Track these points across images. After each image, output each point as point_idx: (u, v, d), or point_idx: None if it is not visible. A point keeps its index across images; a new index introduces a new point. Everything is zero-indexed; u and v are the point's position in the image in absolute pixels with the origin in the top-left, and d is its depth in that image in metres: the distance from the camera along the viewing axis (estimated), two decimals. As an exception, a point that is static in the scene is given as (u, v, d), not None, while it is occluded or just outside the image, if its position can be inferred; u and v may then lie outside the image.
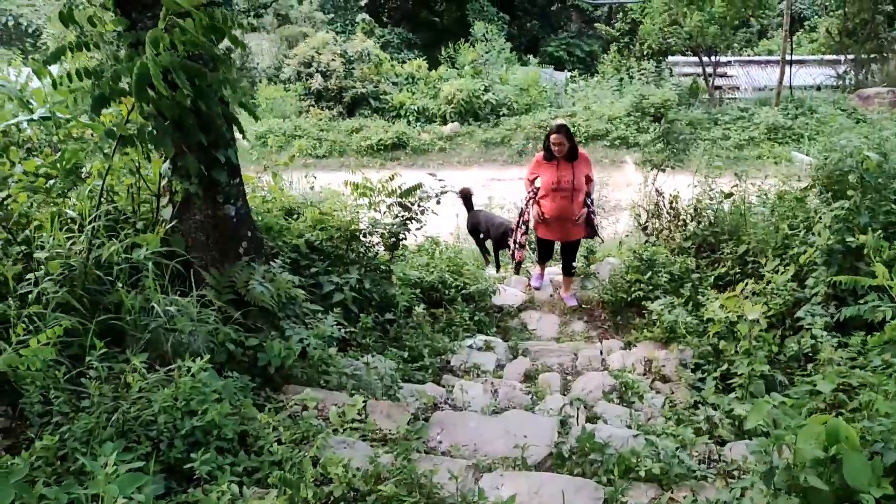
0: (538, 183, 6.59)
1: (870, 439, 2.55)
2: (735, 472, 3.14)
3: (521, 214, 7.04)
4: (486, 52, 20.65)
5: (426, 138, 17.69)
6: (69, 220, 3.69)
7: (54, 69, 3.65)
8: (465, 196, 8.45)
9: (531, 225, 7.04)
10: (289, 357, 3.83)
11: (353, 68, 18.87)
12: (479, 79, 19.19)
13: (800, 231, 5.99)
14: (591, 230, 6.93)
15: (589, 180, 6.66)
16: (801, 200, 6.40)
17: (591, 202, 6.78)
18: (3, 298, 3.09)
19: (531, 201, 6.70)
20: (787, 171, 8.04)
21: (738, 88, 19.77)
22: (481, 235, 8.42)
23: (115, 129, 3.44)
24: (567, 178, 6.38)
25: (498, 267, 8.24)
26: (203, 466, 2.69)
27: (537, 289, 7.26)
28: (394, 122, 18.33)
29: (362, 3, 30.28)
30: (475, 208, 8.71)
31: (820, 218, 5.59)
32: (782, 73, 17.17)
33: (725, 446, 3.52)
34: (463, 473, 3.02)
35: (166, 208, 3.95)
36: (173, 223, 3.83)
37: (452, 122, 18.34)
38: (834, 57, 19.70)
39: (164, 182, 3.94)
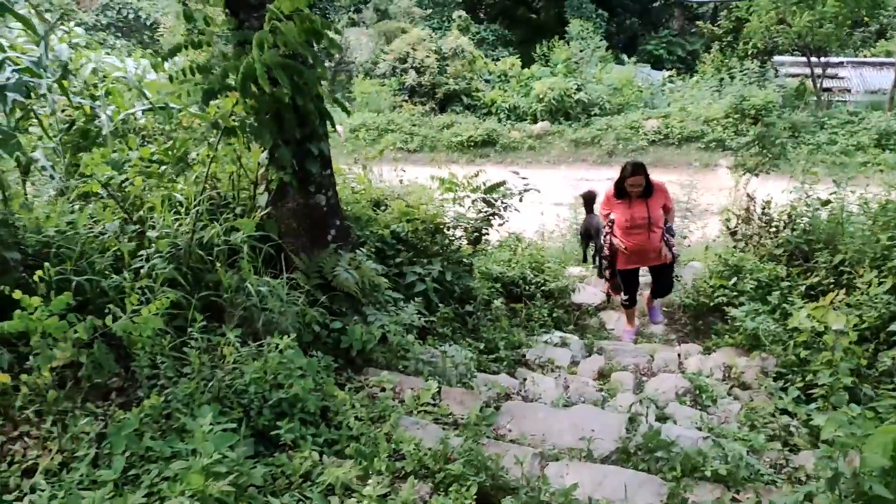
0: (612, 216, 6.20)
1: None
2: (804, 479, 3.12)
3: (599, 250, 6.82)
4: (581, 51, 20.48)
5: (516, 136, 17.75)
6: (177, 204, 4.02)
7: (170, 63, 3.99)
8: (588, 199, 8.22)
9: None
10: (370, 341, 4.06)
11: (447, 65, 19.13)
12: (572, 77, 19.07)
13: (901, 241, 5.77)
14: (671, 267, 6.52)
15: (667, 210, 6.20)
16: (907, 207, 6.16)
17: (672, 234, 6.35)
18: (119, 272, 3.43)
19: (608, 235, 6.25)
20: (893, 179, 7.69)
21: (849, 91, 18.83)
22: (591, 242, 8.31)
23: (220, 121, 3.74)
24: (642, 215, 5.92)
25: (601, 273, 7.68)
26: (288, 434, 2.93)
27: (657, 324, 6.70)
28: (484, 119, 18.48)
29: (459, 0, 30.59)
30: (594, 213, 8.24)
31: (923, 229, 5.38)
32: (896, 77, 16.28)
33: (799, 455, 3.49)
34: (529, 460, 3.13)
35: (262, 195, 4.24)
36: (268, 210, 4.10)
37: (543, 120, 18.32)
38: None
39: (261, 171, 4.23)
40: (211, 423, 2.63)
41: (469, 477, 2.85)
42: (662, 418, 3.90)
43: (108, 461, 2.69)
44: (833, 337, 4.67)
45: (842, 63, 19.36)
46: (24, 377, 2.84)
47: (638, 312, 6.68)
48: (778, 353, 5.39)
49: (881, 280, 5.42)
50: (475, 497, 2.77)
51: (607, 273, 6.60)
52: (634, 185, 5.80)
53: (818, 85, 17.57)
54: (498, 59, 22.02)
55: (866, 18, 17.44)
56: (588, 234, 8.33)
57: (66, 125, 4.66)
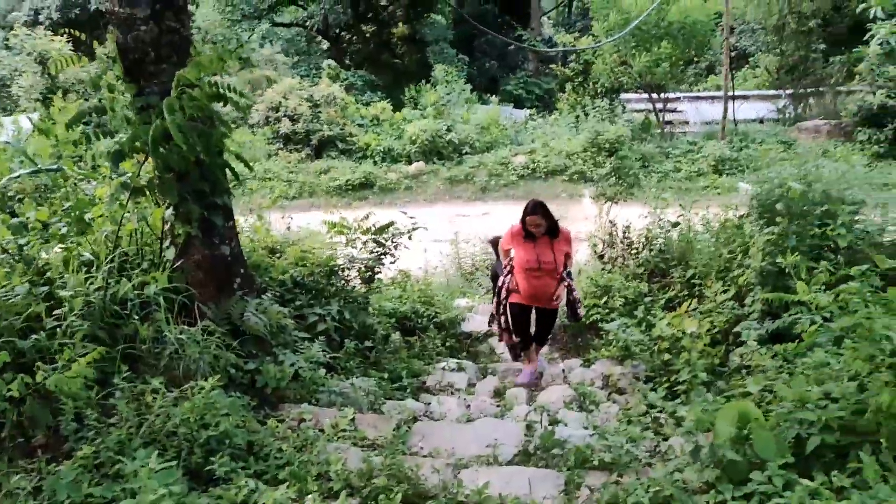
0: (513, 252, 6.04)
1: (775, 420, 3.11)
2: (673, 458, 3.67)
3: (497, 293, 6.30)
4: (448, 94, 21.46)
5: (393, 177, 18.30)
6: (82, 263, 4.12)
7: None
8: (497, 244, 7.66)
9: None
10: (283, 378, 4.31)
11: (320, 112, 19.48)
12: (442, 119, 19.95)
13: (738, 255, 6.60)
14: (574, 313, 6.38)
15: (568, 257, 6.15)
16: (739, 227, 7.03)
17: (571, 279, 6.22)
18: (33, 332, 3.52)
19: (509, 274, 6.10)
20: (729, 200, 8.75)
21: (687, 123, 20.83)
22: None
23: (129, 181, 3.93)
24: (547, 258, 5.85)
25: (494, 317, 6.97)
26: (222, 468, 3.15)
27: (524, 384, 5.92)
28: (361, 163, 18.93)
29: (324, 48, 31.09)
30: None
31: (754, 243, 6.23)
32: (725, 109, 18.23)
33: (669, 440, 4.06)
34: (444, 469, 3.51)
35: (169, 249, 4.41)
36: (179, 262, 4.29)
37: (417, 161, 19.00)
38: (775, 92, 20.92)
39: (167, 226, 4.41)
40: (149, 465, 2.83)
41: (393, 488, 3.18)
42: (554, 423, 4.38)
43: (48, 513, 2.81)
44: (689, 341, 5.41)
45: (679, 98, 21.42)
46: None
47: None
48: (647, 360, 6.06)
49: (725, 289, 6.23)
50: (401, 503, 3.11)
51: (501, 319, 6.28)
52: (532, 225, 5.74)
53: (660, 119, 19.35)
54: (368, 104, 22.62)
55: (696, 58, 19.51)
56: (498, 277, 7.91)
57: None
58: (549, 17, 39.97)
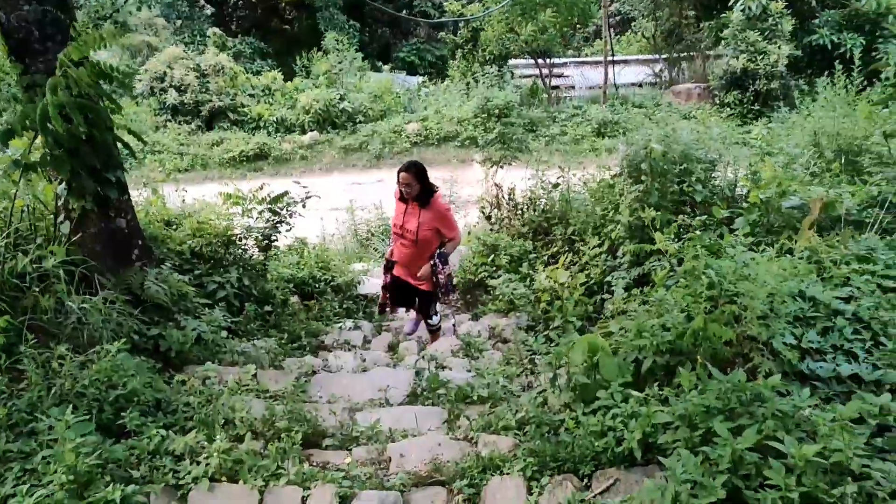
0: None
1: (619, 348, 3.67)
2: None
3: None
4: (340, 62, 21.41)
5: (287, 148, 18.23)
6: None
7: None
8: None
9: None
10: (186, 342, 4.56)
11: (208, 82, 19.05)
12: (335, 88, 19.95)
13: (610, 212, 7.23)
14: (433, 297, 6.05)
15: (440, 234, 5.78)
16: (611, 186, 7.68)
17: (444, 263, 5.83)
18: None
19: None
20: (609, 162, 9.44)
21: (573, 88, 21.71)
22: None
23: (20, 158, 4.03)
24: (411, 226, 5.64)
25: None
26: (132, 422, 3.42)
27: (409, 334, 6.45)
28: (254, 134, 18.72)
29: (208, 13, 30.08)
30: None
31: (623, 200, 6.87)
32: (606, 74, 19.18)
33: (540, 376, 4.61)
34: (340, 412, 3.91)
35: (64, 224, 4.53)
36: (75, 237, 4.42)
37: (311, 131, 18.97)
38: (652, 57, 22.08)
39: (60, 202, 4.53)
40: (66, 419, 3.07)
41: (293, 429, 3.55)
42: (441, 368, 4.86)
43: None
44: (565, 291, 5.99)
45: (565, 63, 22.27)
46: None
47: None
48: (529, 311, 6.64)
49: (600, 243, 6.87)
50: (301, 442, 3.49)
51: (383, 285, 6.22)
52: (404, 183, 5.54)
53: (547, 84, 20.12)
54: (259, 73, 22.23)
55: (579, 24, 20.34)
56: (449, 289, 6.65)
57: None
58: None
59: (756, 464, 2.54)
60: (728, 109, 17.36)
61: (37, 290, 3.94)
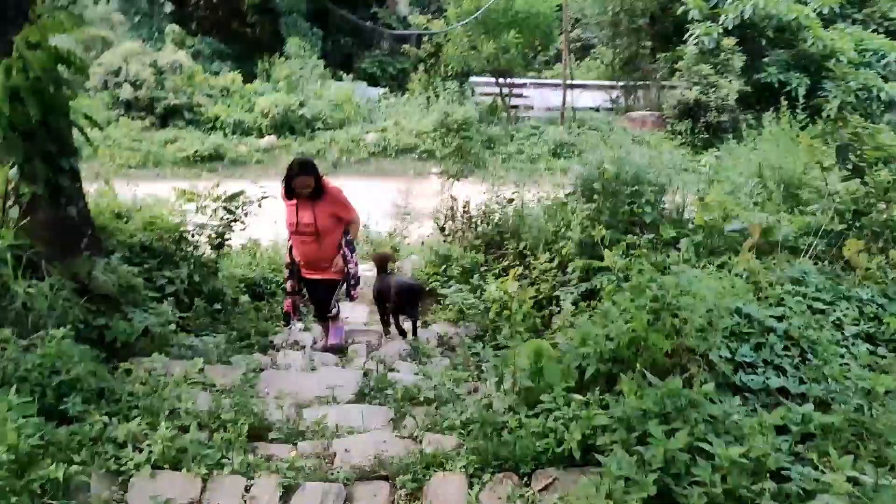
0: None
1: (563, 355, 3.79)
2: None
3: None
4: (301, 68, 21.36)
5: (243, 150, 18.08)
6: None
7: None
8: (381, 261, 6.68)
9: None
10: (133, 334, 4.53)
11: (165, 79, 18.79)
12: (295, 94, 19.88)
13: (562, 229, 7.41)
14: (347, 290, 5.81)
15: (348, 222, 5.71)
16: (564, 205, 7.88)
17: (352, 250, 5.73)
18: None
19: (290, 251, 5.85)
20: (562, 181, 9.66)
21: (531, 108, 22.06)
22: (387, 304, 6.49)
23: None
24: (307, 219, 5.48)
25: (402, 333, 6.44)
26: (75, 408, 3.39)
27: (333, 347, 5.85)
28: (210, 134, 18.51)
29: (167, 11, 29.65)
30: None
31: (575, 218, 7.06)
32: (564, 97, 19.59)
33: (486, 382, 4.70)
34: (287, 407, 3.93)
35: (13, 208, 4.47)
36: (24, 222, 4.36)
37: (269, 135, 18.86)
38: (609, 83, 22.62)
39: (10, 186, 4.46)
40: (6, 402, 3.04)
41: (239, 420, 3.57)
42: (389, 370, 4.91)
43: None
44: (514, 302, 6.12)
45: (525, 84, 22.63)
46: None
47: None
48: (478, 321, 6.76)
49: (551, 259, 7.03)
50: (247, 435, 3.50)
51: (287, 290, 6.02)
52: (301, 187, 5.41)
53: (507, 102, 20.44)
54: (217, 73, 22.01)
55: (540, 47, 20.75)
56: (381, 297, 6.52)
57: None
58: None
59: (686, 463, 2.68)
60: (680, 138, 17.90)
61: (-19, 273, 3.88)
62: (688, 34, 18.61)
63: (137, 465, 3.09)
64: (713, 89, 17.80)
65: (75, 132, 4.76)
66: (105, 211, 5.92)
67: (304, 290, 6.03)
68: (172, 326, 4.85)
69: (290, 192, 5.51)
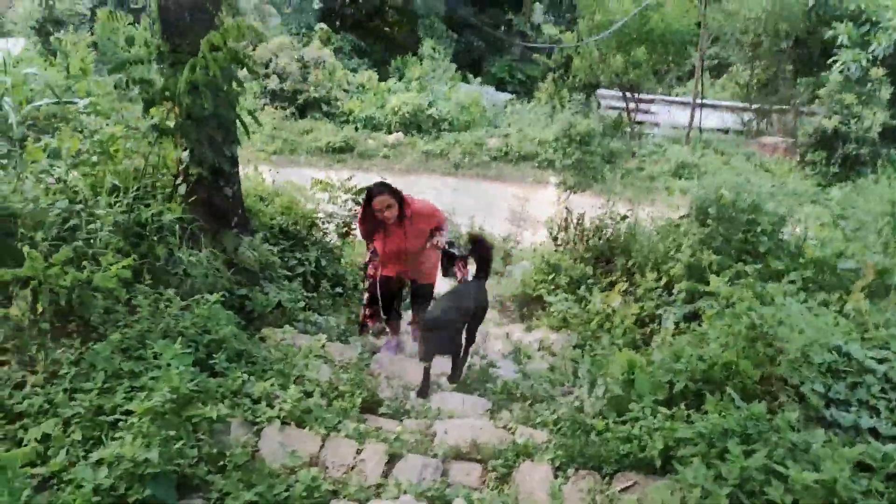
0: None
1: (654, 368, 4.01)
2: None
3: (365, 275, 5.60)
4: (433, 70, 22.09)
5: (372, 145, 18.94)
6: (108, 189, 4.84)
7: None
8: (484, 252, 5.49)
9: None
10: (268, 306, 5.11)
11: (308, 73, 19.98)
12: (425, 94, 20.61)
13: (672, 250, 7.50)
14: (445, 267, 5.37)
15: (438, 229, 5.30)
16: (677, 227, 7.95)
17: (451, 244, 5.35)
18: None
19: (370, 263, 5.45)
20: (680, 202, 9.69)
21: (657, 125, 21.77)
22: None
23: (157, 124, 4.65)
24: (400, 245, 5.20)
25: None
26: (221, 364, 3.95)
27: (388, 352, 5.54)
28: (342, 127, 19.52)
29: (316, 7, 31.30)
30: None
31: (687, 241, 7.14)
32: (692, 116, 19.22)
33: (582, 387, 4.96)
34: (396, 387, 4.36)
35: (181, 186, 5.14)
36: (189, 199, 5.02)
37: (397, 131, 19.65)
38: (743, 105, 21.94)
39: (181, 166, 5.14)
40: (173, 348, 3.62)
41: (355, 392, 4.02)
42: (491, 365, 5.26)
43: (85, 378, 3.58)
44: (616, 316, 6.33)
45: (653, 100, 22.34)
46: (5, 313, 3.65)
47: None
48: (580, 331, 6.99)
49: (658, 278, 7.15)
50: (360, 406, 3.96)
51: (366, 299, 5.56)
52: (381, 209, 5.05)
53: (632, 118, 20.28)
54: (355, 70, 23.13)
55: (672, 64, 20.43)
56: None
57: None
58: (540, 2, 40.61)
59: (760, 482, 2.86)
60: (811, 168, 17.19)
61: (154, 238, 4.53)
62: (832, 60, 17.81)
63: (269, 419, 3.59)
64: (855, 120, 16.97)
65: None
66: (251, 194, 6.58)
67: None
68: (301, 304, 5.40)
69: (369, 222, 5.21)
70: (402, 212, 5.09)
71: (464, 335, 4.97)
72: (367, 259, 5.50)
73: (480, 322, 5.30)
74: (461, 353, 4.95)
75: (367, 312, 5.61)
